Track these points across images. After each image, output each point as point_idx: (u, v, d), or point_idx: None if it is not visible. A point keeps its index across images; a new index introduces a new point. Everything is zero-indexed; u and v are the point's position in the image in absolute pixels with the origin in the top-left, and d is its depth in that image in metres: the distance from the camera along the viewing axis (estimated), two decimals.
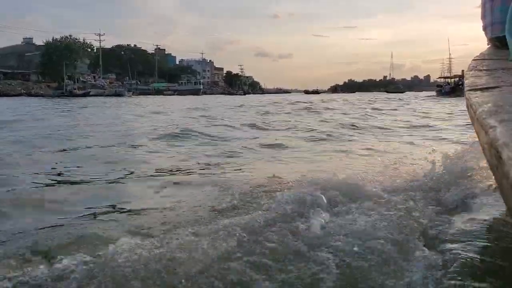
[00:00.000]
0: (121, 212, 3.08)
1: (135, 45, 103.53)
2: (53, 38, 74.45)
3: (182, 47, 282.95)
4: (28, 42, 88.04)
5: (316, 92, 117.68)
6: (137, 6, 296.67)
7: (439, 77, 63.05)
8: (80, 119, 13.78)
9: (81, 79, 75.09)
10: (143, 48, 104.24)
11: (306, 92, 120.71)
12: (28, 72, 74.19)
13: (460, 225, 2.19)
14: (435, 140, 7.35)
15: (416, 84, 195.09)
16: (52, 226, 2.70)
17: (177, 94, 76.07)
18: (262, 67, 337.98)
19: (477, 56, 2.85)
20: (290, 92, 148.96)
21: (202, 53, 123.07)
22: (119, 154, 6.04)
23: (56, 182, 4.17)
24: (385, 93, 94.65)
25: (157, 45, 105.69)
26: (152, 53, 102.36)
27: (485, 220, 2.24)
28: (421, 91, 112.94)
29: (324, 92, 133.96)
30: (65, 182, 4.15)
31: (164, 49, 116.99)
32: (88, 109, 22.00)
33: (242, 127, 10.45)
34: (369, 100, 33.08)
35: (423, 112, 15.95)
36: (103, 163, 5.21)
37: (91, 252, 1.98)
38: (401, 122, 11.53)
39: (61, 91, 59.89)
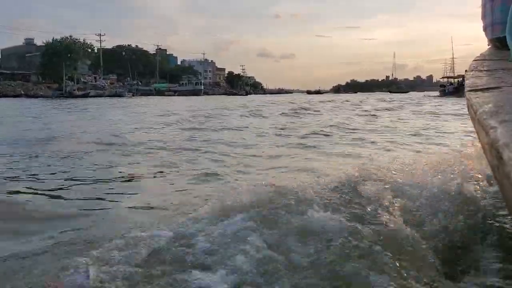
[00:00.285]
0: None
1: (136, 46, 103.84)
2: (53, 38, 74.40)
3: (184, 47, 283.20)
4: (29, 42, 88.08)
5: (318, 92, 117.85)
6: (140, 7, 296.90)
7: (442, 77, 63.05)
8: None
9: (82, 79, 75.07)
10: (144, 48, 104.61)
11: (308, 92, 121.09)
12: (29, 73, 74.24)
13: None
14: None
15: (419, 84, 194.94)
16: None
17: (178, 95, 75.95)
18: (264, 68, 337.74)
19: (477, 56, 2.85)
20: (292, 93, 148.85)
21: (204, 54, 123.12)
22: None
23: None
24: (388, 93, 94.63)
25: (158, 46, 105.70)
26: (153, 53, 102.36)
27: None
28: (424, 91, 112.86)
29: (326, 92, 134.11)
30: None
31: (166, 50, 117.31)
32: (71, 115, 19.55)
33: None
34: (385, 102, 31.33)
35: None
36: None
37: None
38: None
39: (61, 92, 59.79)
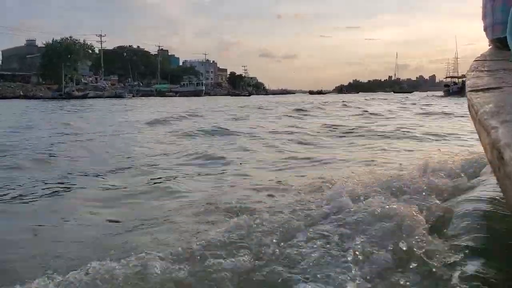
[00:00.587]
0: None
1: (138, 46, 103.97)
2: (53, 39, 73.72)
3: (186, 48, 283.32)
4: (30, 44, 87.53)
5: (320, 92, 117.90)
6: (143, 8, 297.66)
7: (446, 77, 63.00)
8: None
9: (82, 80, 74.90)
10: (147, 49, 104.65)
11: (311, 92, 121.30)
12: (29, 74, 74.06)
13: None
14: None
15: (421, 84, 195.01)
16: None
17: (179, 96, 75.96)
18: (267, 68, 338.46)
19: (478, 57, 2.84)
20: (294, 93, 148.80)
21: (205, 54, 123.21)
22: None
23: None
24: (392, 93, 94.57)
25: (159, 46, 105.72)
26: (155, 54, 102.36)
27: None
28: (427, 91, 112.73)
29: (329, 92, 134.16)
30: None
31: (167, 50, 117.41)
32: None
33: None
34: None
35: None
36: None
37: None
38: None
39: (59, 93, 59.50)
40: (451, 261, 1.80)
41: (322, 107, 23.51)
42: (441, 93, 50.26)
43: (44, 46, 73.92)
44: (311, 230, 2.25)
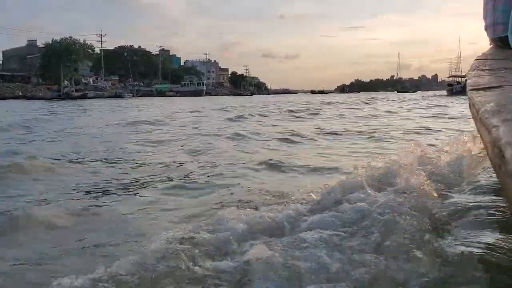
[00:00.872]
0: None
1: (139, 46, 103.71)
2: (52, 39, 73.08)
3: (188, 48, 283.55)
4: (31, 44, 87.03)
5: (322, 92, 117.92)
6: (144, 8, 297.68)
7: (449, 76, 62.84)
8: None
9: (83, 80, 74.60)
10: (148, 49, 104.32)
11: (313, 92, 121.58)
12: (29, 75, 73.83)
13: None
14: None
15: (424, 84, 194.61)
16: None
17: (180, 95, 75.68)
18: (269, 68, 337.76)
19: (479, 56, 2.85)
20: (296, 93, 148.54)
21: (207, 54, 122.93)
22: None
23: None
24: (395, 92, 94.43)
25: (160, 46, 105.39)
26: (156, 54, 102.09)
27: None
28: (429, 90, 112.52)
29: (331, 92, 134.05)
30: None
31: (169, 50, 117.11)
32: None
33: None
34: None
35: None
36: None
37: None
38: None
39: (58, 93, 58.98)
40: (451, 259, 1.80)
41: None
42: (444, 92, 50.16)
43: (44, 46, 73.70)
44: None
